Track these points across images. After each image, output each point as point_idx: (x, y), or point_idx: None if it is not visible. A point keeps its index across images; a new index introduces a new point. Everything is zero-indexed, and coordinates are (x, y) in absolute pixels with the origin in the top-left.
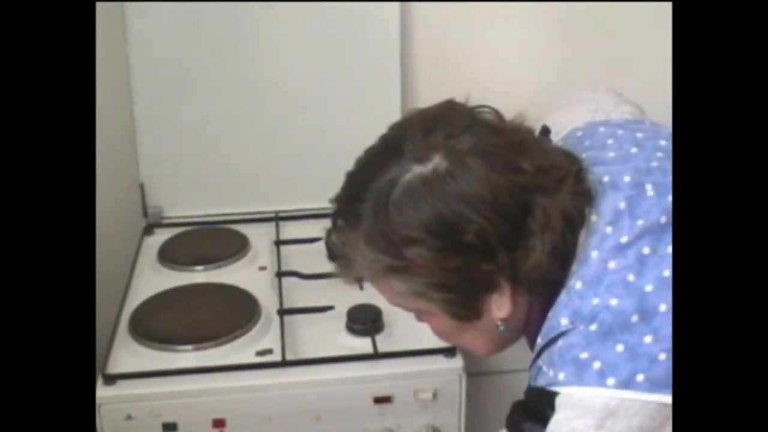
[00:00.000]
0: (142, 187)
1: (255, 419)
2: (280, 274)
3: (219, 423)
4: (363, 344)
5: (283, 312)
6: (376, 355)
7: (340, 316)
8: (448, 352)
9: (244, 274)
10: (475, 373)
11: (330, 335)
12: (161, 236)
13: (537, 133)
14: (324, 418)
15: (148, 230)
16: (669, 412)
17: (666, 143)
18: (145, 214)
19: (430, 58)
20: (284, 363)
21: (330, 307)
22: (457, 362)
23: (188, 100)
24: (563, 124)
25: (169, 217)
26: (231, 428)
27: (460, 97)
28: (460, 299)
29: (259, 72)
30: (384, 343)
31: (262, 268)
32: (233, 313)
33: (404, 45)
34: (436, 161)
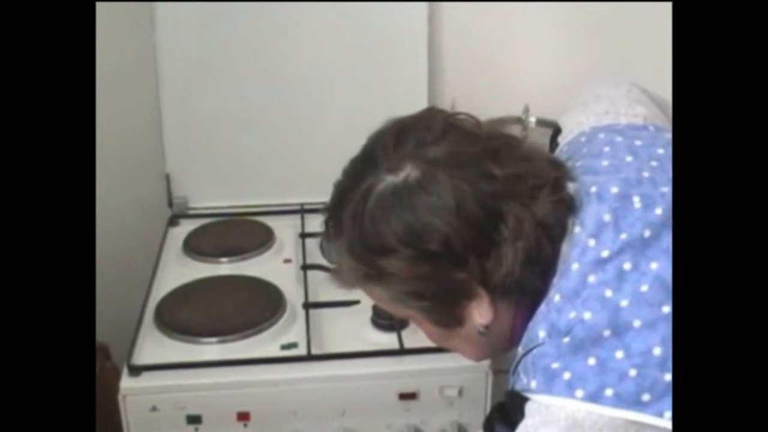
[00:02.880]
0: (167, 177)
1: (279, 413)
2: (305, 267)
3: (243, 416)
4: (388, 339)
5: (308, 306)
6: (401, 351)
7: (365, 311)
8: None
9: (269, 267)
10: (501, 370)
11: (355, 330)
12: (186, 227)
13: (549, 132)
14: (349, 413)
15: (174, 221)
16: (637, 428)
17: (663, 151)
18: (171, 204)
19: (458, 54)
20: (309, 357)
21: (356, 302)
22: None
23: (214, 91)
24: (572, 126)
25: (195, 208)
26: (255, 422)
27: (485, 95)
28: (438, 307)
29: (286, 64)
30: (409, 339)
31: (287, 261)
32: (258, 305)
33: (432, 41)
34: (408, 171)
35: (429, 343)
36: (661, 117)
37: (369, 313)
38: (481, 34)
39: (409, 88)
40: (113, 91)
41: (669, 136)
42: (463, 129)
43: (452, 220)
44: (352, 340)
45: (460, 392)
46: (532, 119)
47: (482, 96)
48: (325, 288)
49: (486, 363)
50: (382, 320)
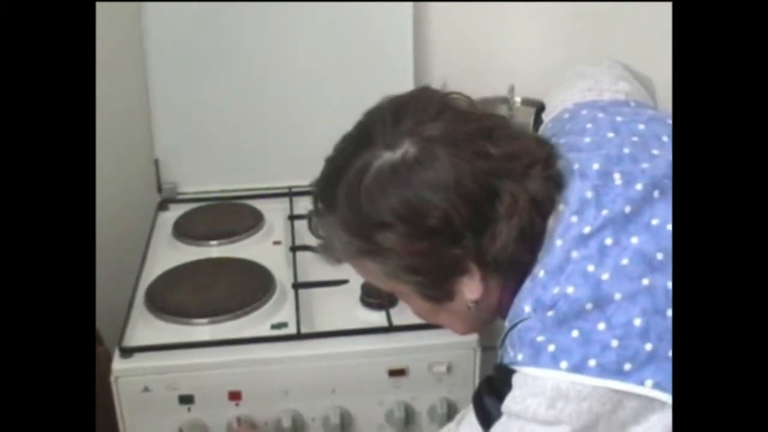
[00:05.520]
0: (156, 162)
1: (270, 392)
2: (294, 249)
3: (235, 395)
4: (377, 318)
5: (297, 286)
6: (390, 329)
7: (354, 290)
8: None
9: (258, 249)
10: (489, 347)
11: (344, 309)
12: (176, 212)
13: (533, 111)
14: (339, 390)
15: (163, 206)
16: (620, 398)
17: (644, 127)
18: (160, 189)
19: (443, 46)
20: (299, 336)
21: (344, 281)
22: (471, 336)
23: (203, 76)
24: (556, 103)
25: (184, 193)
26: (247, 400)
27: (471, 91)
28: (431, 281)
29: (274, 50)
30: (398, 317)
31: (277, 243)
32: (248, 287)
33: (417, 35)
34: (405, 148)
35: (417, 321)
36: (644, 93)
37: (358, 292)
38: (467, 27)
39: (396, 68)
40: (102, 77)
41: (651, 112)
42: (458, 108)
43: (451, 196)
44: (341, 319)
45: (449, 368)
46: (518, 99)
47: (467, 84)
48: (314, 268)
49: (474, 339)
50: (371, 299)
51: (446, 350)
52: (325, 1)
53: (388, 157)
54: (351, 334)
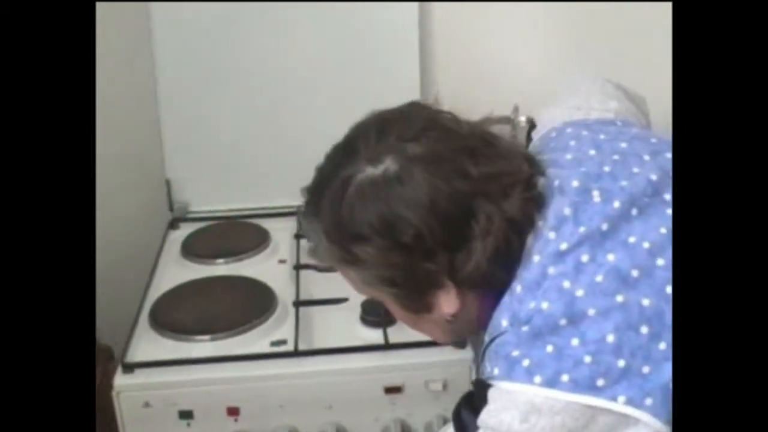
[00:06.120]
0: (168, 182)
1: (268, 408)
2: (298, 267)
3: (233, 411)
4: (376, 336)
5: (298, 303)
6: (387, 346)
7: (354, 308)
8: (458, 343)
9: (263, 267)
10: None
11: (344, 327)
12: (186, 230)
13: (525, 128)
14: (336, 407)
15: (174, 224)
16: (593, 413)
17: (626, 145)
18: (171, 209)
19: (449, 56)
20: (296, 353)
21: (344, 299)
22: (466, 353)
23: (213, 97)
24: (546, 121)
25: (195, 212)
26: (245, 416)
27: (475, 95)
28: (408, 294)
29: (283, 70)
30: (396, 335)
31: (282, 261)
32: (250, 304)
33: (422, 42)
34: (387, 164)
35: (414, 339)
36: (635, 112)
37: (358, 310)
38: (472, 34)
39: (403, 90)
40: (115, 101)
41: (635, 130)
42: (444, 126)
43: (425, 214)
44: (341, 337)
45: (445, 386)
46: (522, 118)
47: (472, 95)
48: (317, 287)
49: (469, 357)
50: (371, 317)
51: (442, 367)
52: (333, 1)
53: (370, 171)
54: (348, 351)
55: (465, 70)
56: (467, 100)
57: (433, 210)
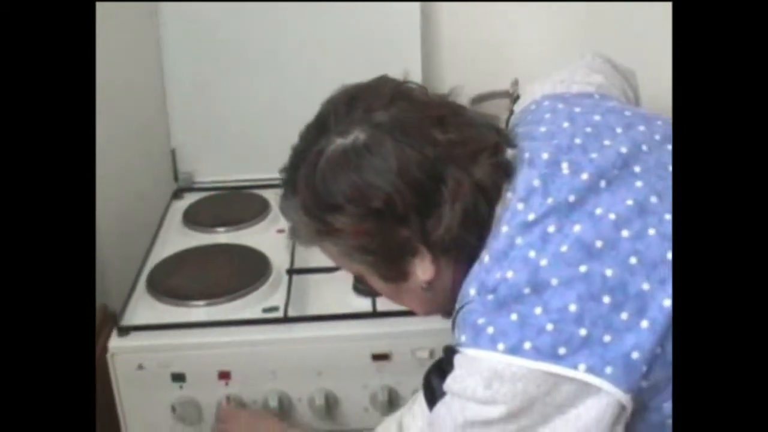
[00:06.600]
0: (173, 152)
1: (259, 373)
2: None
3: (224, 375)
4: (366, 304)
5: (292, 271)
6: (374, 314)
7: (348, 277)
8: (448, 313)
9: (262, 237)
10: None
11: (337, 295)
12: (190, 200)
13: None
14: (325, 373)
15: (178, 194)
16: (555, 381)
17: (599, 118)
18: (176, 178)
19: (452, 51)
20: (286, 319)
21: (338, 268)
22: None
23: (219, 68)
24: (528, 94)
25: (200, 182)
26: (236, 380)
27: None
28: (383, 262)
29: (289, 41)
30: (385, 304)
31: (280, 231)
32: (246, 272)
33: (425, 37)
34: (356, 134)
35: (402, 307)
36: (621, 86)
37: (351, 279)
38: (475, 31)
39: (405, 60)
40: (120, 73)
41: (612, 103)
42: (412, 96)
43: (395, 180)
44: (332, 305)
45: (432, 354)
46: (521, 92)
47: (475, 94)
48: (313, 256)
49: None
50: (363, 285)
51: (429, 336)
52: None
53: (340, 142)
54: (336, 318)
55: (468, 57)
56: (469, 84)
57: (403, 176)
